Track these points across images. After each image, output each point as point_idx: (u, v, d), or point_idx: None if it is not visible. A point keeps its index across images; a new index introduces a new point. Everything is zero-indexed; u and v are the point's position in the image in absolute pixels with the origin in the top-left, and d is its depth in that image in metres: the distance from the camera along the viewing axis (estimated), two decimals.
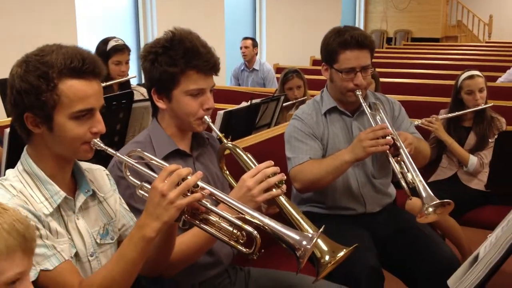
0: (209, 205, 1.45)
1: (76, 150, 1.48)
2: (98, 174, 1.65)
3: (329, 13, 11.42)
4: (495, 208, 3.41)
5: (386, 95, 2.72)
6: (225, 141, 1.83)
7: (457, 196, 3.18)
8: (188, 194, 1.41)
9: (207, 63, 1.78)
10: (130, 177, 1.55)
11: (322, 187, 2.42)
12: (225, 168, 1.91)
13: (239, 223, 1.43)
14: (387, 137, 2.18)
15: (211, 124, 1.85)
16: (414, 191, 2.18)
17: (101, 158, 1.86)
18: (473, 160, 3.41)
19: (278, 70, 7.18)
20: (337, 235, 1.77)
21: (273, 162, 1.70)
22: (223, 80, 7.21)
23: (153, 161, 1.53)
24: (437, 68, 7.15)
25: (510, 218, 1.36)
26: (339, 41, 2.38)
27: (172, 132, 1.89)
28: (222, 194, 1.49)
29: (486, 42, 12.73)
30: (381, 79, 4.13)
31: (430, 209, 2.13)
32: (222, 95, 4.80)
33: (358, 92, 2.37)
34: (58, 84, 1.41)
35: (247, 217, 1.45)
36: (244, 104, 3.16)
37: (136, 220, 1.67)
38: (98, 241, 1.57)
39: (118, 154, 1.51)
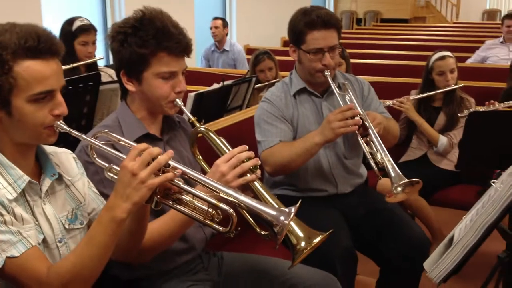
0: (182, 185, 1.40)
1: (39, 135, 1.42)
2: (64, 158, 1.60)
3: None
4: (464, 187, 3.47)
5: (355, 75, 2.72)
6: (197, 125, 1.79)
7: (427, 176, 3.22)
8: (160, 174, 1.37)
9: (179, 44, 1.73)
10: (97, 159, 1.50)
11: (293, 170, 2.41)
12: (197, 153, 1.87)
13: (214, 201, 1.39)
14: (355, 118, 2.18)
15: (183, 107, 1.81)
16: (384, 171, 2.19)
17: (69, 143, 1.81)
18: (443, 140, 3.45)
19: (249, 51, 7.12)
20: (310, 217, 1.76)
21: (247, 147, 1.67)
22: (193, 61, 7.11)
23: (120, 142, 1.48)
24: (406, 49, 7.18)
25: (484, 200, 1.37)
26: (305, 22, 2.36)
27: (142, 116, 1.84)
28: (195, 173, 1.44)
29: (454, 23, 12.86)
30: (352, 60, 4.12)
31: (399, 189, 2.15)
32: (192, 77, 4.73)
33: (327, 73, 2.37)
34: (13, 66, 1.34)
35: (222, 195, 1.41)
36: (215, 86, 3.11)
37: None
38: (66, 226, 1.52)
39: (83, 136, 1.46)
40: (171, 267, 1.85)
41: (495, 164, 2.89)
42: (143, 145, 1.39)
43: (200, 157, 1.87)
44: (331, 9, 13.61)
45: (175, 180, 1.39)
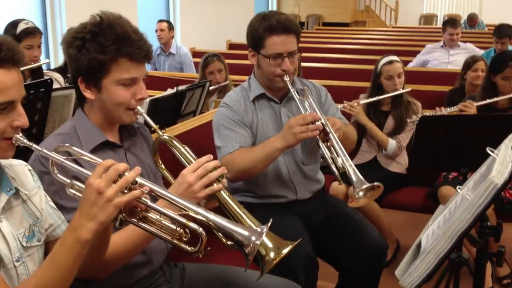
0: (149, 203, 1.35)
1: None
2: (19, 170, 1.50)
3: None
4: (412, 190, 3.55)
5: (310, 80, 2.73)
6: (160, 133, 1.74)
7: (378, 179, 3.28)
8: (126, 191, 1.32)
9: (140, 50, 1.67)
10: (58, 175, 1.42)
11: (254, 176, 2.39)
12: (160, 162, 1.82)
13: (183, 220, 1.34)
14: (316, 123, 2.18)
15: (144, 115, 1.75)
16: (344, 176, 2.20)
17: (18, 152, 1.71)
18: (392, 143, 3.52)
19: (195, 54, 7.05)
20: (271, 224, 1.73)
21: (212, 156, 1.64)
22: None
23: (84, 157, 1.41)
24: (349, 53, 7.31)
25: (451, 207, 1.39)
26: (265, 26, 2.35)
27: (99, 123, 1.76)
28: (163, 190, 1.39)
29: (394, 27, 13.23)
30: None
31: (361, 193, 2.16)
32: None
33: (286, 78, 2.36)
34: None
35: (191, 213, 1.37)
36: (170, 91, 3.05)
37: (64, 218, 1.55)
38: (24, 244, 1.42)
39: (45, 150, 1.37)
40: (132, 281, 1.78)
41: (445, 167, 2.97)
42: (109, 162, 1.32)
43: (163, 166, 1.82)
44: None
45: (142, 198, 1.34)
